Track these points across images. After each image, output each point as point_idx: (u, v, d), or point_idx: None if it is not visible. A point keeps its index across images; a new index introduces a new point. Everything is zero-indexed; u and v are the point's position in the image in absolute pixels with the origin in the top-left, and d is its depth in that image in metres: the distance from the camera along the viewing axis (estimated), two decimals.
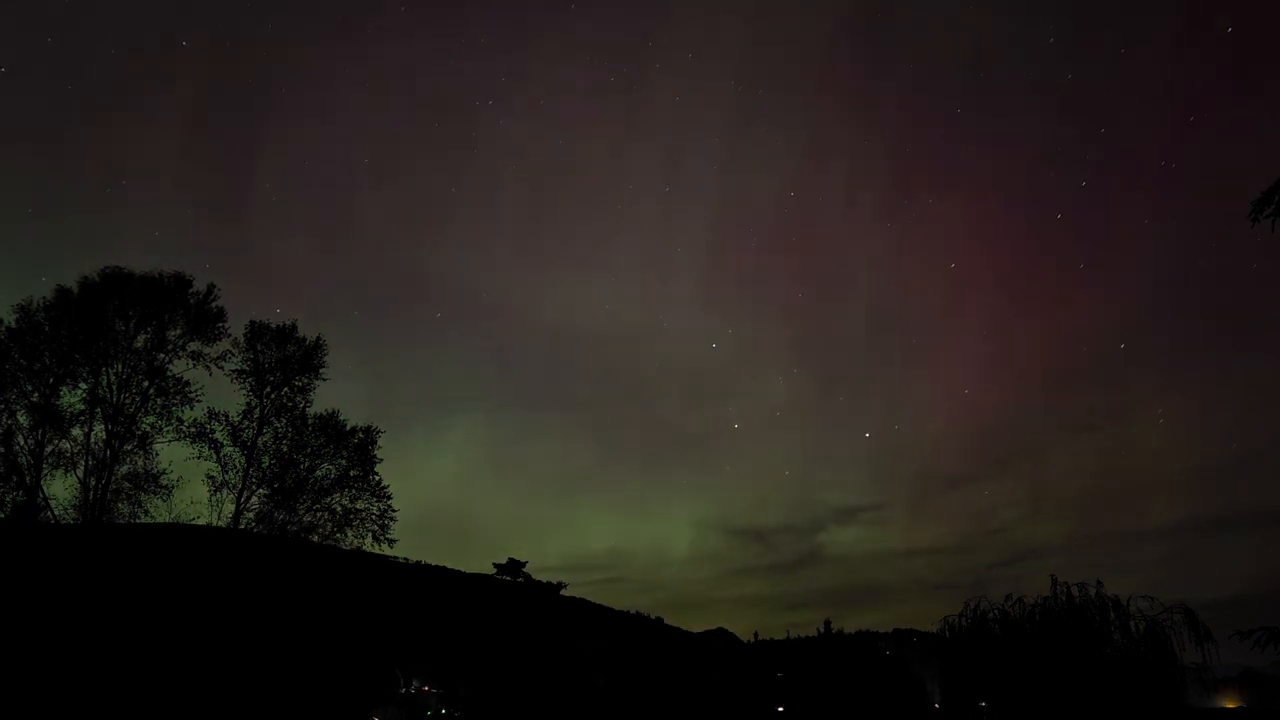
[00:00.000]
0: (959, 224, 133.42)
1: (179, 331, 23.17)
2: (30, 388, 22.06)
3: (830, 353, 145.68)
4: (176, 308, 23.18)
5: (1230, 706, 30.84)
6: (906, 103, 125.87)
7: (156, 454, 22.58)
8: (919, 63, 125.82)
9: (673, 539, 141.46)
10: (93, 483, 21.75)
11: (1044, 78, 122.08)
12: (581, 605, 63.21)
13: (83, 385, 22.34)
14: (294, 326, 24.10)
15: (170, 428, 22.59)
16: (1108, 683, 14.96)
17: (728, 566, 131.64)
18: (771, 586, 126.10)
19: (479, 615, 48.91)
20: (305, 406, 23.70)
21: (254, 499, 22.66)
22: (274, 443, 23.20)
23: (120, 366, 22.53)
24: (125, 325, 22.74)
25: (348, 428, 23.67)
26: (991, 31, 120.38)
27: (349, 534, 23.00)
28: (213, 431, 22.64)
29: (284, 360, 23.69)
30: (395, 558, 35.07)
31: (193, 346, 23.18)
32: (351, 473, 23.43)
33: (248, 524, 22.41)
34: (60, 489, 21.90)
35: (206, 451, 22.47)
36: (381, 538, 23.18)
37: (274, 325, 23.99)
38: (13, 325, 22.21)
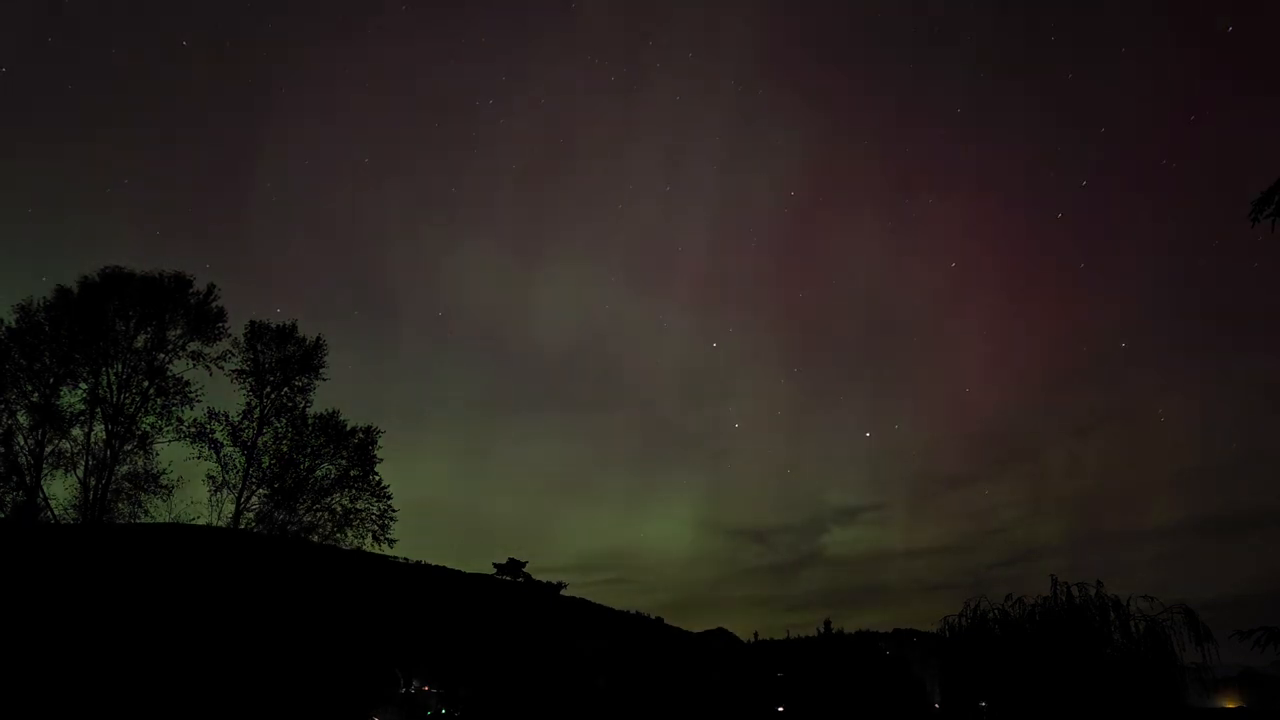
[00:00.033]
0: (959, 224, 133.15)
1: (179, 331, 23.19)
2: (30, 388, 22.06)
3: (830, 352, 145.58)
4: (176, 308, 23.18)
5: (1230, 706, 30.82)
6: (906, 102, 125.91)
7: (156, 454, 22.63)
8: (919, 62, 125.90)
9: (673, 539, 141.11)
10: (93, 483, 21.76)
11: (1044, 78, 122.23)
12: (581, 605, 63.23)
13: (83, 385, 22.37)
14: (294, 326, 24.15)
15: (170, 428, 22.65)
16: (1108, 683, 14.96)
17: (728, 566, 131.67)
18: (771, 587, 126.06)
19: (479, 615, 48.92)
20: (305, 406, 23.75)
21: (254, 499, 22.70)
22: (274, 443, 23.23)
23: (120, 366, 22.54)
24: (125, 325, 22.75)
25: (348, 428, 23.69)
26: (991, 31, 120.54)
27: (349, 534, 23.04)
28: (213, 431, 22.68)
29: (284, 360, 23.70)
30: (395, 558, 35.09)
31: (193, 346, 23.23)
32: (351, 473, 23.44)
33: (248, 524, 22.42)
34: (60, 489, 21.96)
35: (206, 451, 22.52)
36: (381, 538, 23.21)
37: (274, 325, 24.03)
38: (13, 325, 22.22)
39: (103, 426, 22.10)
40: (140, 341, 22.82)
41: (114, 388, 22.32)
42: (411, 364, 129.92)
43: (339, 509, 23.10)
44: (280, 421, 23.41)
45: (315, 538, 22.87)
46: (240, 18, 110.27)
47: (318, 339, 24.26)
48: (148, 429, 22.50)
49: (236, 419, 22.92)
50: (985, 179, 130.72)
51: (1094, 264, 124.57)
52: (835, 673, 45.88)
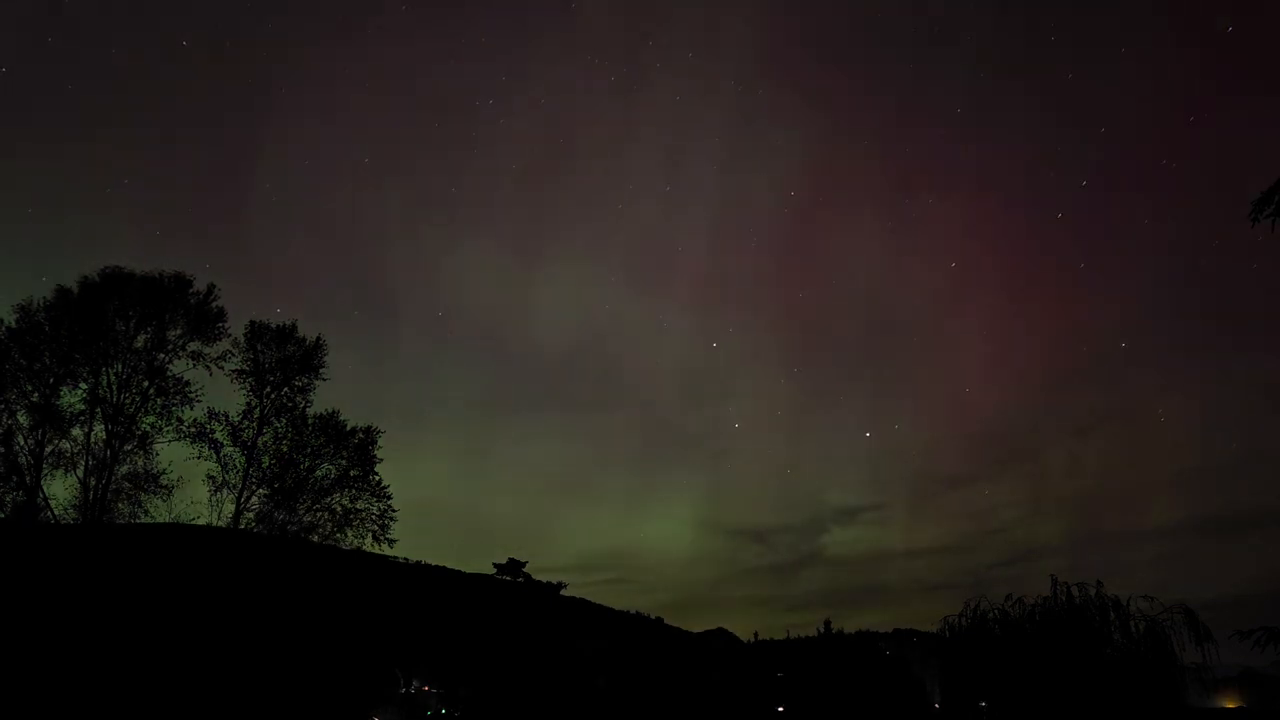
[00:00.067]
0: (959, 224, 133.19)
1: (179, 331, 23.18)
2: (30, 388, 22.06)
3: (830, 352, 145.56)
4: (176, 308, 23.18)
5: (1230, 706, 30.82)
6: (906, 102, 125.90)
7: (156, 454, 22.62)
8: (919, 62, 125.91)
9: (673, 539, 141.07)
10: (93, 483, 21.76)
11: (1044, 78, 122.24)
12: (581, 605, 63.26)
13: (83, 385, 22.37)
14: (294, 326, 24.14)
15: (170, 428, 22.64)
16: (1108, 683, 14.96)
17: (728, 566, 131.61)
18: (772, 587, 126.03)
19: (479, 615, 48.93)
20: (305, 406, 23.74)
21: (254, 499, 22.69)
22: (274, 443, 23.22)
23: (120, 366, 22.54)
24: (125, 325, 22.75)
25: (348, 428, 23.68)
26: (991, 31, 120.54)
27: (349, 534, 23.03)
28: (213, 431, 22.67)
29: (284, 360, 23.70)
30: (395, 558, 35.10)
31: (193, 346, 23.22)
32: (351, 473, 23.44)
33: (248, 524, 22.42)
34: (60, 489, 21.95)
35: (206, 451, 22.51)
36: (381, 538, 23.20)
37: (274, 325, 24.02)
38: (13, 325, 22.21)
39: (103, 426, 22.11)
40: (140, 341, 22.83)
41: (114, 388, 22.32)
42: (411, 364, 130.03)
43: (339, 509, 23.11)
44: (280, 421, 23.42)
45: (315, 538, 22.87)
46: (240, 18, 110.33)
47: (318, 339, 24.29)
48: (148, 429, 22.53)
49: (236, 419, 22.95)
50: (985, 179, 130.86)
51: (1094, 264, 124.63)
52: (835, 673, 45.90)
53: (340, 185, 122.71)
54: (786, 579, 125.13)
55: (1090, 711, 14.72)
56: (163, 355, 22.92)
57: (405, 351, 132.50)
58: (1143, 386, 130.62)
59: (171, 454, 22.66)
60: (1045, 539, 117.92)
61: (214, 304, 23.62)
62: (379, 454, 23.80)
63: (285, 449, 23.22)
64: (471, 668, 44.17)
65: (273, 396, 23.46)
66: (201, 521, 22.18)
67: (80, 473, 21.83)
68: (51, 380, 22.17)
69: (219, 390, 23.34)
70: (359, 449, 23.58)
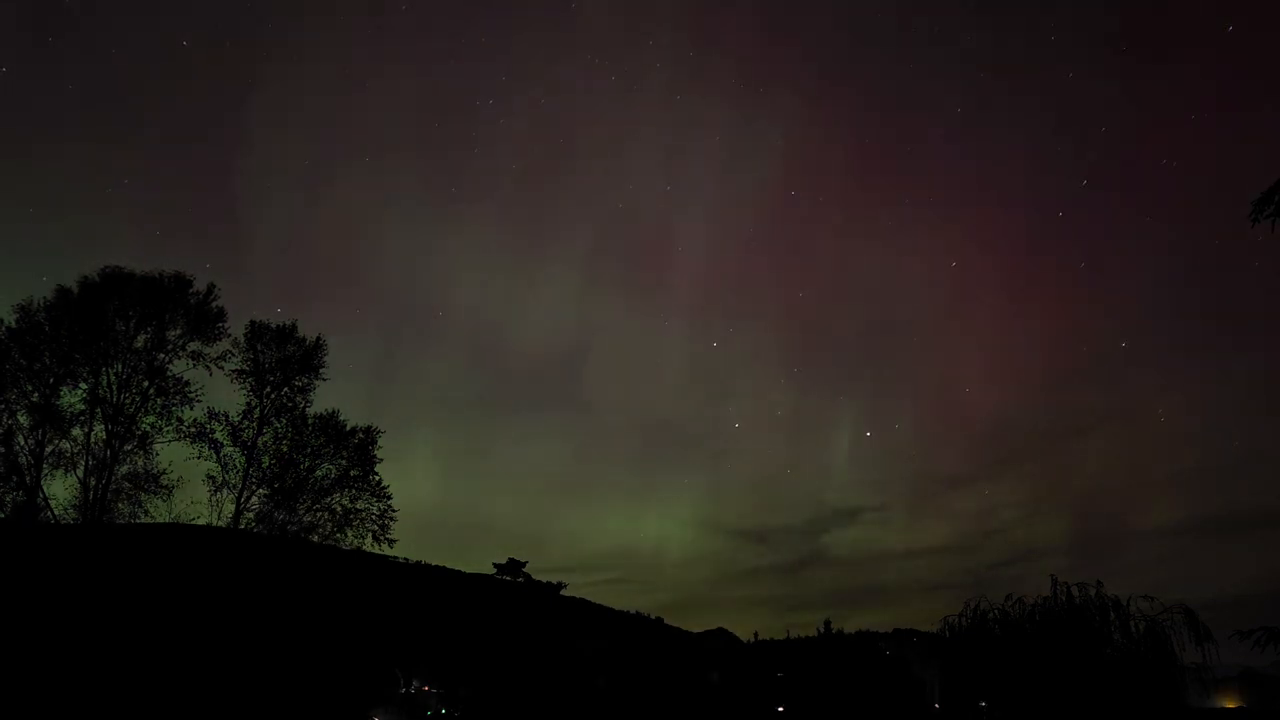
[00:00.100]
0: (959, 224, 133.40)
1: (179, 331, 23.16)
2: (30, 388, 22.05)
3: (831, 352, 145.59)
4: (176, 308, 23.17)
5: (1230, 706, 30.85)
6: (907, 102, 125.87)
7: (156, 454, 22.58)
8: (919, 62, 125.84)
9: (673, 539, 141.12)
10: (93, 483, 21.75)
11: (1044, 78, 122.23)
12: (581, 605, 63.33)
13: (83, 385, 22.35)
14: (294, 326, 24.11)
15: (170, 428, 22.61)
16: (1108, 683, 14.96)
17: (728, 566, 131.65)
18: (772, 587, 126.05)
19: (479, 615, 48.97)
20: (305, 406, 23.72)
21: (254, 499, 22.68)
22: (274, 443, 23.21)
23: (120, 366, 22.53)
24: (125, 325, 22.74)
25: (348, 428, 23.67)
26: (991, 31, 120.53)
27: (349, 534, 23.01)
28: (213, 431, 22.65)
29: (284, 360, 23.69)
30: (395, 558, 35.16)
31: (193, 346, 23.19)
32: (351, 473, 23.43)
33: (248, 524, 22.41)
34: (60, 489, 21.93)
35: (206, 451, 22.49)
36: (381, 538, 23.19)
37: (274, 325, 24.00)
38: (13, 325, 22.20)
39: (103, 426, 22.10)
40: (140, 341, 22.81)
41: (114, 388, 22.32)
42: (411, 364, 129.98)
43: (339, 509, 23.09)
44: (280, 421, 23.41)
45: (315, 538, 22.86)
46: (240, 18, 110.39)
47: (318, 339, 24.27)
48: (148, 429, 22.51)
49: (236, 419, 22.93)
50: (985, 179, 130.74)
51: (1094, 264, 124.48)
52: (835, 673, 45.94)
53: (340, 185, 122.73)
54: (786, 579, 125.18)
55: (1090, 711, 14.72)
56: (163, 355, 22.92)
57: (405, 351, 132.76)
58: (1143, 386, 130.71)
59: (171, 454, 22.68)
60: (1045, 539, 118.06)
61: (214, 304, 23.62)
62: (379, 454, 23.84)
63: (285, 449, 23.22)
64: (471, 668, 44.20)
65: (273, 396, 23.46)
66: (201, 521, 22.19)
67: (80, 473, 21.84)
68: (51, 380, 22.17)
69: (219, 390, 23.36)
70: (359, 449, 23.58)
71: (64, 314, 22.44)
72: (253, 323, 23.84)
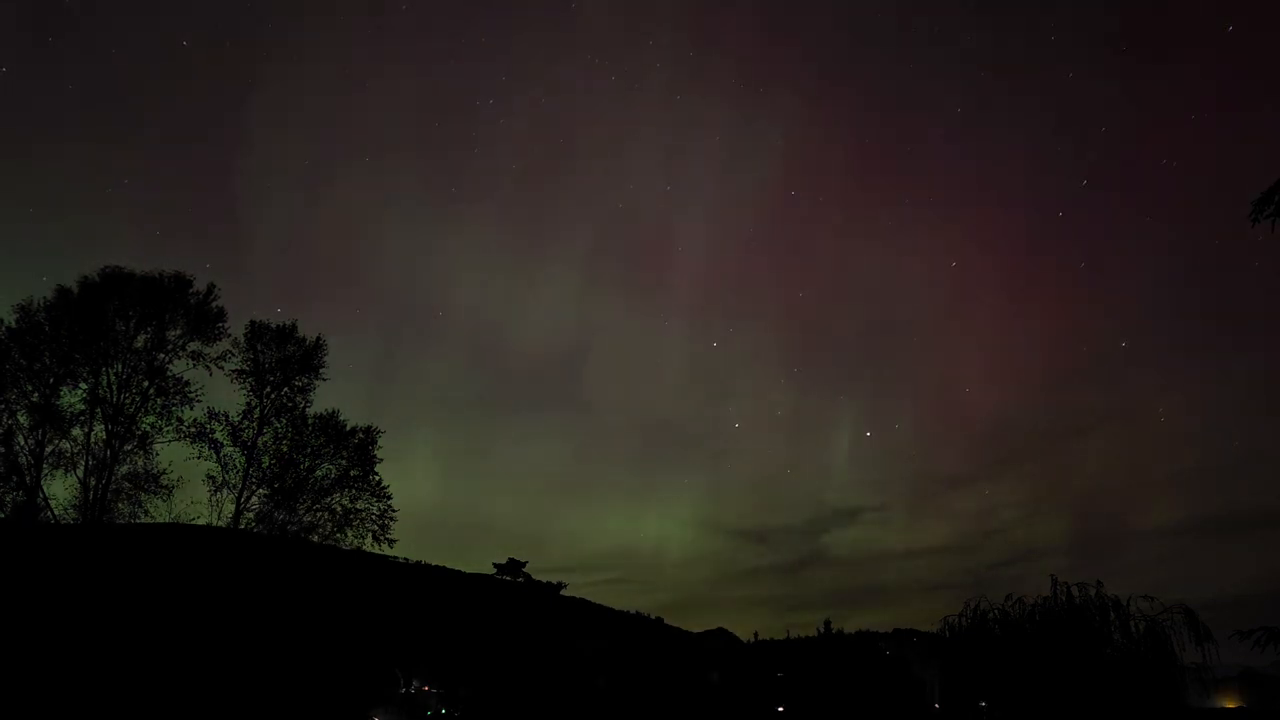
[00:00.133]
0: (959, 224, 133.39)
1: (179, 331, 23.16)
2: (30, 388, 22.05)
3: (831, 352, 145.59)
4: (176, 308, 23.17)
5: (1230, 706, 30.85)
6: (907, 102, 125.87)
7: (156, 454, 22.58)
8: (919, 62, 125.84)
9: (673, 539, 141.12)
10: (93, 483, 21.75)
11: (1044, 78, 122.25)
12: (581, 605, 63.34)
13: (83, 385, 22.35)
14: (294, 326, 24.11)
15: (170, 428, 22.61)
16: (1108, 683, 14.96)
17: (728, 566, 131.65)
18: (772, 587, 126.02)
19: (479, 615, 48.98)
20: (305, 406, 23.72)
21: (254, 499, 22.68)
22: (274, 443, 23.21)
23: (120, 366, 22.53)
24: (125, 325, 22.74)
25: (348, 428, 23.67)
26: (991, 31, 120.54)
27: (349, 534, 23.02)
28: (213, 431, 22.65)
29: (284, 360, 23.68)
30: (395, 558, 35.16)
31: (193, 346, 23.19)
32: (351, 473, 23.43)
33: (248, 524, 22.41)
34: (60, 489, 21.93)
35: (206, 451, 22.49)
36: (381, 538, 23.19)
37: (274, 325, 24.00)
38: (13, 325, 22.19)
39: (103, 426, 22.10)
40: (140, 341, 22.81)
41: (114, 388, 22.32)
42: (411, 364, 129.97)
43: (339, 509, 23.09)
44: (280, 421, 23.41)
45: (315, 538, 22.86)
46: (240, 18, 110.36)
47: (318, 339, 24.27)
48: (148, 429, 22.51)
49: (236, 419, 22.93)
50: (985, 179, 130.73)
51: (1094, 264, 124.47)
52: (835, 673, 45.95)
53: (340, 185, 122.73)
54: (786, 579, 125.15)
55: (1090, 711, 14.72)
56: (163, 355, 22.92)
57: (405, 351, 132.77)
58: (1143, 386, 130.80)
59: (171, 454, 22.68)
60: (1045, 539, 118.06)
61: (214, 304, 23.62)
62: (379, 454, 23.84)
63: (285, 449, 23.22)
64: (471, 668, 44.20)
65: (273, 396, 23.46)
66: (201, 521, 22.20)
67: (80, 473, 21.84)
68: (51, 380, 22.17)
69: (219, 390, 23.35)
70: (359, 449, 23.58)
71: (64, 314, 22.44)
72: (253, 323, 23.88)
